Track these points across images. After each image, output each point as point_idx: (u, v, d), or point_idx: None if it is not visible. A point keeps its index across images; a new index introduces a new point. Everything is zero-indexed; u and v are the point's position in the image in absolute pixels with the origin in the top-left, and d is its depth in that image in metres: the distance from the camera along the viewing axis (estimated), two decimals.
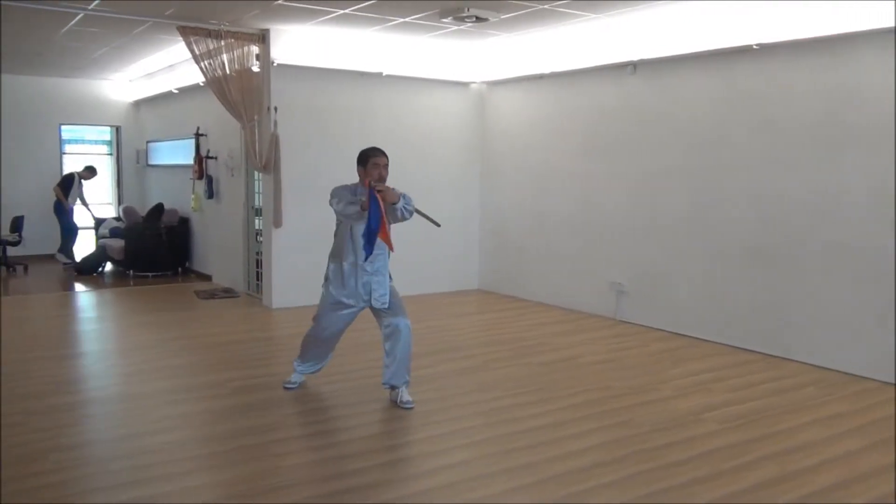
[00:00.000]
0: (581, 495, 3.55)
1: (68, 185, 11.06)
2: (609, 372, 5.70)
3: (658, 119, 7.05)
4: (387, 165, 4.77)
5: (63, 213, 10.98)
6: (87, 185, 11.48)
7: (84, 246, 11.47)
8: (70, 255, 11.07)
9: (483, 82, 9.00)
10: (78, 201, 11.27)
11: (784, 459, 4.02)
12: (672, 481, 3.72)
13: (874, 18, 5.29)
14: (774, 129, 6.10)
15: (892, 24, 5.19)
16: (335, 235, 4.95)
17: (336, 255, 4.89)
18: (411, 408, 4.72)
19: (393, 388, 4.82)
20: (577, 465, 3.89)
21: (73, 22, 7.50)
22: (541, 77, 8.18)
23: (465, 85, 8.99)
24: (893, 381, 5.35)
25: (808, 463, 3.98)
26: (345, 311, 4.87)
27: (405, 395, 4.80)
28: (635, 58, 7.08)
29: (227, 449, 4.14)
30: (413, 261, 7.91)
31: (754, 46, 6.08)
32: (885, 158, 5.40)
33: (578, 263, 7.98)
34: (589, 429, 4.46)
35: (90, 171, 11.42)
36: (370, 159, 4.73)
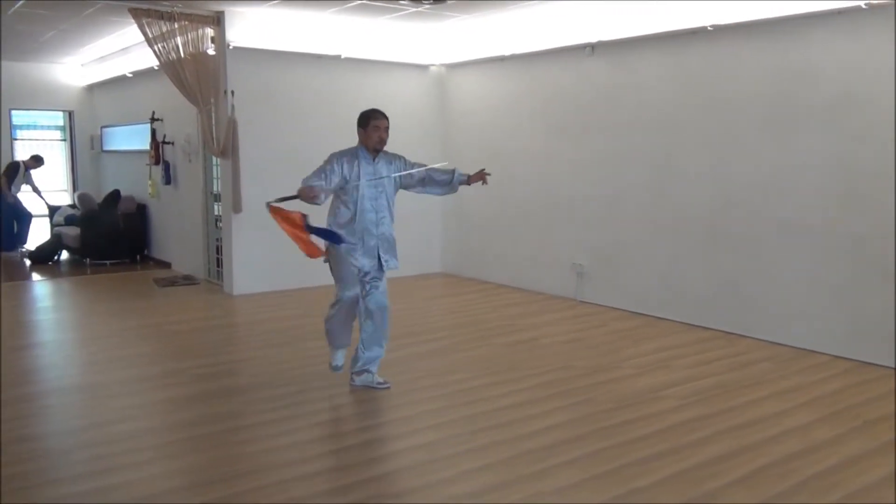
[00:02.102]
0: (545, 472, 3.60)
1: (12, 174, 10.77)
2: (571, 352, 5.77)
3: (616, 101, 7.11)
4: (387, 128, 4.68)
5: (2, 202, 10.66)
6: (39, 173, 11.20)
7: (38, 234, 11.21)
8: (19, 242, 10.80)
9: (442, 65, 8.97)
10: (29, 189, 10.99)
11: (741, 433, 4.12)
12: (633, 457, 3.79)
13: (824, 0, 5.39)
14: (729, 109, 6.19)
15: (839, 6, 5.30)
16: (334, 208, 4.81)
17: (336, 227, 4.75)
18: (388, 387, 4.77)
19: (364, 372, 4.80)
20: (540, 444, 3.94)
21: (19, 3, 7.28)
22: (500, 59, 8.18)
23: (424, 68, 8.95)
24: (844, 355, 5.52)
25: (764, 435, 4.08)
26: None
27: (377, 376, 4.83)
28: (593, 39, 7.12)
29: (188, 437, 4.11)
30: None
31: (709, 28, 6.15)
32: (835, 138, 5.52)
33: (540, 245, 8.03)
34: (552, 408, 4.51)
35: (36, 161, 11.13)
36: (371, 121, 4.64)
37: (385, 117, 4.69)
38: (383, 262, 4.72)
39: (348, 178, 4.62)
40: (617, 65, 7.08)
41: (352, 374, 4.85)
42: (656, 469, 3.65)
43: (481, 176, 5.02)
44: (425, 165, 4.86)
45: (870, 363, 5.36)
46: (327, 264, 4.77)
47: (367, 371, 4.79)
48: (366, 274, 4.71)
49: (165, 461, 3.79)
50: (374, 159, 4.69)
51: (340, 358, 4.90)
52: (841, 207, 5.54)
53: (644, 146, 6.90)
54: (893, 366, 5.19)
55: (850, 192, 5.47)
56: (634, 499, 3.33)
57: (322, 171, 4.59)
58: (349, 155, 4.66)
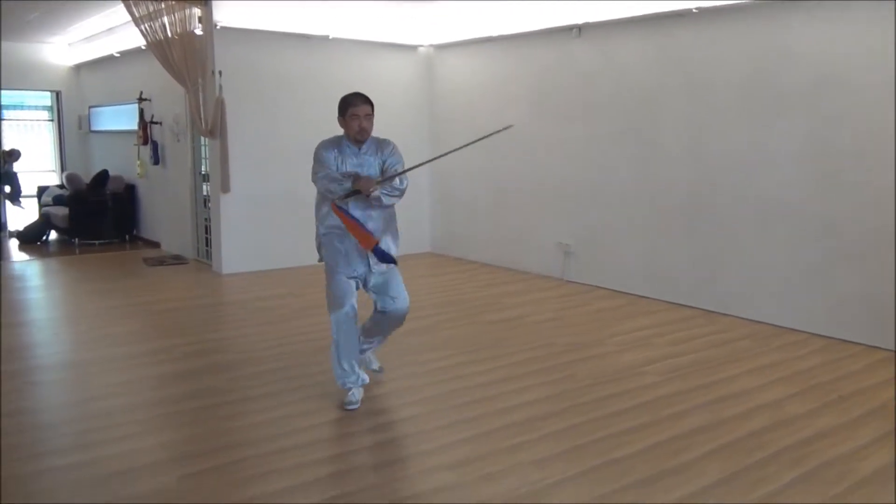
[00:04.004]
0: (523, 445, 3.69)
1: None
2: (554, 330, 5.86)
3: (601, 82, 7.15)
4: (369, 115, 4.05)
5: None
6: (21, 163, 11.14)
7: (27, 214, 11.20)
8: None
9: (431, 46, 8.98)
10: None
11: (717, 407, 4.22)
12: (610, 430, 3.88)
13: None
14: (711, 91, 6.25)
15: None
16: (319, 206, 4.22)
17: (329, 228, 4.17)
18: (381, 371, 4.57)
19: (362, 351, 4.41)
20: (520, 418, 4.02)
21: None
22: (488, 40, 8.20)
23: (412, 48, 8.96)
24: (821, 333, 5.62)
25: (740, 409, 4.18)
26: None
27: (374, 361, 4.57)
28: (580, 21, 7.15)
29: (174, 412, 4.18)
30: None
31: (693, 10, 6.20)
32: (813, 120, 5.59)
33: (527, 225, 8.10)
34: (533, 384, 4.60)
35: (10, 155, 11.06)
36: (348, 109, 4.03)
37: (366, 102, 4.07)
38: (371, 262, 4.13)
39: (342, 168, 4.08)
40: (602, 46, 7.12)
41: None
42: (633, 441, 3.74)
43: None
44: (401, 168, 4.15)
45: (845, 340, 5.47)
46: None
47: (362, 351, 4.38)
48: (365, 279, 4.18)
49: (151, 435, 3.85)
50: (359, 150, 4.10)
51: (355, 395, 4.18)
52: (818, 188, 5.62)
53: (628, 127, 6.95)
54: (893, 348, 5.24)
55: (827, 173, 5.55)
56: (611, 469, 3.42)
57: (328, 172, 4.00)
58: (334, 144, 4.12)
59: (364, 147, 4.11)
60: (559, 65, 7.55)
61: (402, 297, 4.25)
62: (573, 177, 7.52)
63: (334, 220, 4.08)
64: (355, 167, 4.05)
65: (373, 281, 4.18)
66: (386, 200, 4.03)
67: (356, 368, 4.18)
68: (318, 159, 4.06)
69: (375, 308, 4.28)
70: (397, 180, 4.05)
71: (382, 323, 4.32)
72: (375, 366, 4.53)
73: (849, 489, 3.25)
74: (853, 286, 5.47)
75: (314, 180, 4.07)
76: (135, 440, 3.77)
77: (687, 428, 3.91)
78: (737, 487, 3.25)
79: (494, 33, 8.02)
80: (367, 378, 4.26)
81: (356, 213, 4.05)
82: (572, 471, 3.40)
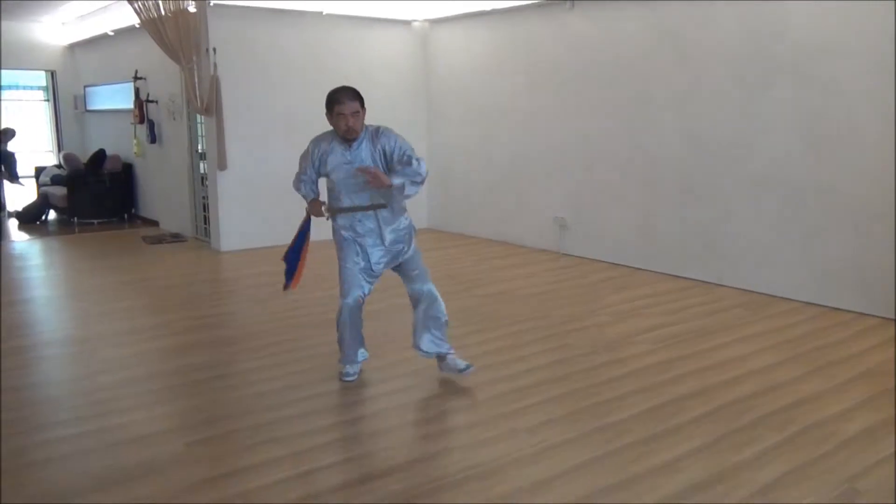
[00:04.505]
0: (518, 412, 3.78)
1: None
2: (550, 301, 5.94)
3: (596, 55, 7.17)
4: (357, 113, 3.86)
5: None
6: (16, 141, 11.13)
7: (25, 194, 11.25)
8: None
9: (425, 20, 8.97)
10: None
11: (708, 374, 4.30)
12: (603, 397, 3.97)
13: None
14: (704, 62, 6.27)
15: None
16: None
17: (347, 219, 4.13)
18: (473, 370, 4.18)
19: (441, 358, 4.26)
20: (515, 386, 4.11)
21: None
22: (482, 14, 8.20)
23: (407, 23, 8.96)
24: (814, 301, 5.71)
25: (729, 376, 4.27)
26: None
27: (459, 361, 4.23)
28: None
29: (174, 384, 4.27)
30: None
31: None
32: (805, 88, 5.63)
33: (523, 200, 8.15)
34: (528, 353, 4.68)
35: (4, 134, 11.05)
36: (333, 106, 3.88)
37: (353, 98, 3.87)
38: (386, 240, 4.10)
39: (326, 167, 4.01)
40: (596, 19, 7.12)
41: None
42: (626, 407, 3.83)
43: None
44: (410, 155, 3.99)
45: (837, 308, 5.55)
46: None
47: (441, 357, 4.24)
48: (381, 266, 4.12)
49: (151, 407, 3.94)
50: (349, 146, 3.94)
51: (353, 368, 4.25)
52: (810, 157, 5.67)
53: (622, 101, 6.98)
54: (894, 317, 5.27)
55: (819, 142, 5.60)
56: (603, 434, 3.51)
57: (301, 175, 4.13)
58: (326, 140, 4.01)
59: (355, 143, 3.94)
60: (553, 38, 7.56)
61: (421, 270, 4.20)
62: (569, 150, 7.57)
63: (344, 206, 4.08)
64: (346, 163, 3.94)
65: (395, 263, 4.15)
66: (409, 190, 3.92)
67: (356, 357, 4.23)
68: (302, 155, 4.13)
69: (411, 297, 4.22)
70: (415, 163, 3.91)
71: (421, 309, 4.18)
72: (462, 365, 4.18)
73: (833, 449, 3.34)
74: (844, 255, 5.54)
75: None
76: (141, 411, 3.86)
77: (677, 394, 4.00)
78: (724, 449, 3.34)
79: (488, 7, 8.01)
80: (365, 355, 4.30)
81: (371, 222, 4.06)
82: (564, 436, 3.49)
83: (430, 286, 4.22)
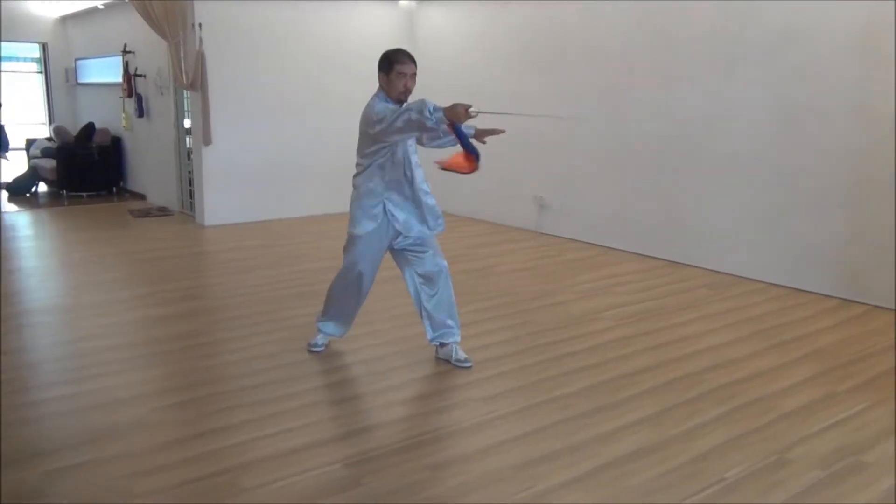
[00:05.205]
0: (474, 383, 3.95)
1: None
2: (522, 279, 6.09)
3: (576, 36, 7.27)
4: (415, 75, 3.85)
5: None
6: (8, 113, 11.15)
7: (15, 167, 11.35)
8: None
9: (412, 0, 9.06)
10: None
11: (664, 350, 4.47)
12: (559, 370, 4.13)
13: None
14: (681, 45, 6.39)
15: None
16: (375, 169, 3.96)
17: (387, 189, 3.99)
18: (469, 366, 4.14)
19: (443, 344, 4.22)
20: (477, 358, 4.26)
21: None
22: None
23: (394, 2, 9.02)
24: (778, 282, 5.87)
25: (685, 352, 4.44)
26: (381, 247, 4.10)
27: (460, 352, 4.21)
28: None
29: (154, 352, 4.43)
30: (347, 181, 8.11)
31: None
32: (775, 73, 5.75)
33: (504, 179, 8.28)
34: (493, 328, 4.85)
35: None
36: (395, 66, 3.79)
37: (413, 60, 3.84)
38: (430, 224, 4.12)
39: None
40: (578, 3, 7.21)
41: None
42: (579, 380, 3.99)
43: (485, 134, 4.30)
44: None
45: (800, 290, 5.72)
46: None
47: (443, 344, 4.22)
48: (406, 240, 4.08)
49: (131, 372, 4.10)
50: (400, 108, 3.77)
51: (322, 338, 4.36)
52: (778, 142, 5.81)
53: (601, 82, 7.09)
54: (893, 307, 5.31)
55: (787, 124, 5.74)
56: (553, 405, 3.67)
57: (400, 112, 3.65)
58: (382, 101, 3.84)
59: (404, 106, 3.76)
60: (536, 21, 7.65)
61: (438, 250, 4.19)
62: (549, 131, 7.68)
63: (384, 183, 3.97)
64: None
65: (411, 242, 4.08)
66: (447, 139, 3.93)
67: (333, 327, 4.33)
68: (381, 111, 3.71)
69: (417, 281, 4.14)
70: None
71: (433, 290, 4.13)
72: (462, 356, 4.19)
73: (771, 422, 3.51)
74: (807, 237, 5.70)
75: (385, 133, 3.71)
76: (115, 377, 4.01)
77: (631, 368, 4.17)
78: (666, 421, 3.51)
79: None
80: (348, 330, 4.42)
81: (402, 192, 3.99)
82: (517, 406, 3.66)
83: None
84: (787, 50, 5.66)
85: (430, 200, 4.12)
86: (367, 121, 3.82)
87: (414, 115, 3.54)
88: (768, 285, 5.88)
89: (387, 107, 3.77)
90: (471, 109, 3.57)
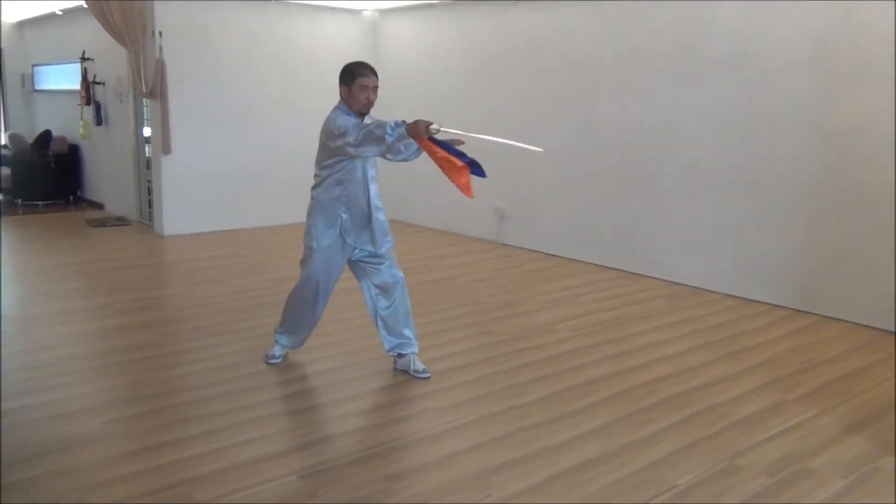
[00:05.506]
0: (432, 394, 3.96)
1: None
2: (482, 290, 6.13)
3: (539, 49, 7.36)
4: (377, 87, 3.85)
5: None
6: None
7: None
8: None
9: (375, 10, 9.07)
10: None
11: (621, 359, 4.53)
12: (517, 380, 4.17)
13: None
14: (641, 59, 6.50)
15: None
16: (333, 183, 3.93)
17: (343, 203, 3.95)
18: (428, 377, 4.15)
19: (401, 355, 4.22)
20: (436, 368, 4.27)
21: None
22: (431, 6, 8.33)
23: (357, 13, 9.05)
24: (733, 293, 5.99)
25: (641, 361, 4.50)
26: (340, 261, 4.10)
27: (418, 362, 4.21)
28: None
29: (109, 363, 4.37)
30: (307, 189, 8.09)
31: None
32: (734, 89, 5.89)
33: None
34: (452, 338, 4.87)
35: None
36: (357, 78, 3.79)
37: (374, 73, 3.84)
38: (378, 243, 4.06)
39: None
40: (540, 14, 7.31)
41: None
42: (535, 390, 4.03)
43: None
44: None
45: (753, 300, 5.84)
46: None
47: (401, 355, 4.22)
48: (363, 252, 4.08)
49: (87, 383, 4.04)
50: (362, 122, 3.82)
51: (279, 349, 4.35)
52: (735, 153, 5.94)
53: (564, 94, 7.19)
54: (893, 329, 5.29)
55: (744, 138, 5.87)
56: (509, 414, 3.71)
57: (363, 126, 3.68)
58: (344, 114, 3.85)
59: (366, 119, 3.86)
60: (499, 32, 7.73)
61: (395, 261, 4.19)
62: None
63: (341, 198, 3.96)
64: None
65: (367, 254, 4.08)
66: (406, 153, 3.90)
67: (290, 338, 4.31)
68: (343, 124, 3.71)
69: (373, 292, 4.14)
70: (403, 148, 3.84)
71: (395, 301, 4.13)
72: (420, 366, 4.19)
73: (723, 430, 3.58)
74: (761, 248, 5.83)
75: (346, 147, 3.70)
76: (70, 388, 3.96)
77: (588, 378, 4.22)
78: (621, 429, 3.56)
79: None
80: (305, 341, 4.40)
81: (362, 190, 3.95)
82: (474, 416, 3.68)
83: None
84: (745, 64, 5.80)
85: (380, 216, 4.10)
86: (329, 133, 3.81)
87: (377, 131, 3.57)
88: (723, 296, 6.00)
89: (349, 120, 3.77)
90: (432, 126, 3.57)
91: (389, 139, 3.55)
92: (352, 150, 3.71)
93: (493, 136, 3.97)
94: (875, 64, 5.09)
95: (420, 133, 3.56)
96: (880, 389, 4.15)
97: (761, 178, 5.79)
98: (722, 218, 6.07)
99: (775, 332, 5.15)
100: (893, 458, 3.33)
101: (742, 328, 5.23)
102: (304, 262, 4.13)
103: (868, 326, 5.24)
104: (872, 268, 5.24)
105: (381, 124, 3.57)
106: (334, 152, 3.82)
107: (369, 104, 3.86)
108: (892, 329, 5.13)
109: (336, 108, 3.91)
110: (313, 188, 4.07)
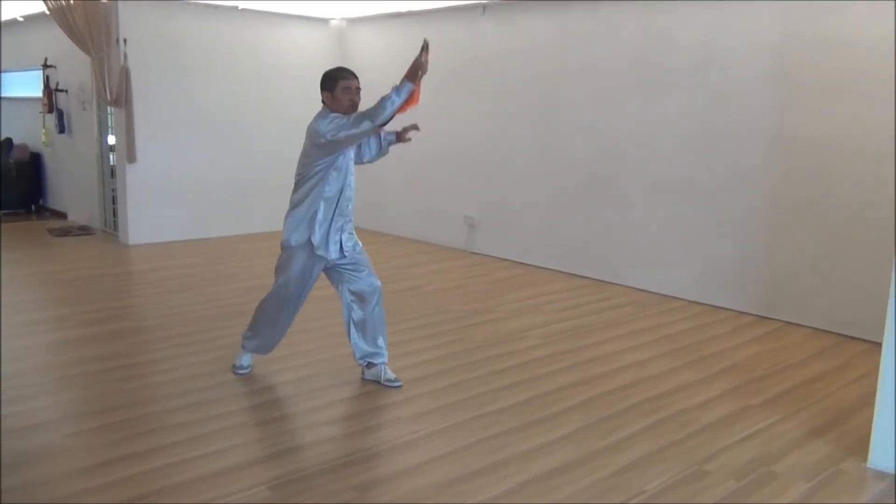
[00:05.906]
0: (403, 403, 3.96)
1: None
2: (452, 298, 6.14)
3: (506, 60, 7.43)
4: (359, 89, 4.01)
5: None
6: None
7: None
8: None
9: (343, 19, 9.07)
10: None
11: (588, 366, 4.57)
12: (486, 388, 4.18)
13: None
14: (606, 71, 6.59)
15: None
16: (316, 182, 3.94)
17: (322, 208, 3.94)
18: (399, 385, 4.15)
19: (371, 364, 4.21)
20: (407, 377, 4.27)
21: None
22: (398, 15, 8.35)
23: (324, 21, 9.04)
24: (698, 300, 6.08)
25: (608, 368, 4.55)
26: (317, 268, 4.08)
27: (389, 371, 4.21)
28: (485, 0, 7.38)
29: (72, 374, 4.29)
30: (277, 199, 8.04)
31: None
32: (696, 100, 6.00)
33: (435, 199, 8.35)
34: (422, 347, 4.87)
35: None
36: (339, 82, 3.92)
37: (355, 76, 3.99)
38: (344, 245, 4.03)
39: None
40: (506, 26, 7.38)
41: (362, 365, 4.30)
42: (506, 397, 4.05)
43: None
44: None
45: (718, 307, 5.94)
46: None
47: (371, 364, 4.21)
48: (341, 259, 4.05)
49: (50, 395, 3.97)
50: None
51: (247, 359, 4.33)
52: (699, 162, 6.04)
53: (531, 104, 7.26)
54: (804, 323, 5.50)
55: (707, 148, 5.98)
56: (479, 422, 3.72)
57: (354, 117, 3.89)
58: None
59: None
60: (466, 42, 7.78)
61: (372, 269, 4.18)
62: (479, 152, 7.80)
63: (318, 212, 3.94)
64: None
65: (346, 260, 4.06)
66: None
67: (258, 345, 4.27)
68: (335, 118, 3.85)
69: (349, 298, 4.13)
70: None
71: (366, 309, 4.12)
72: (391, 375, 4.19)
73: (690, 435, 3.63)
74: (725, 256, 5.93)
75: (338, 140, 3.80)
76: (33, 400, 3.88)
77: (557, 385, 4.25)
78: (590, 435, 3.59)
79: (404, 9, 8.17)
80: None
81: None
82: (445, 424, 3.69)
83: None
84: (707, 76, 5.91)
85: (349, 226, 4.10)
86: (317, 132, 3.82)
87: (379, 103, 3.81)
88: (689, 303, 6.09)
89: (339, 115, 3.85)
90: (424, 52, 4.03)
91: (399, 100, 3.84)
92: (345, 133, 3.79)
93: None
94: (834, 74, 5.23)
95: (422, 68, 3.99)
96: (842, 394, 4.24)
97: (724, 188, 5.90)
98: (687, 226, 6.17)
99: (739, 338, 5.23)
100: (856, 461, 3.40)
101: (707, 334, 5.31)
102: (280, 267, 4.09)
103: (828, 332, 5.36)
104: (832, 274, 5.37)
105: (381, 98, 3.75)
106: (323, 151, 3.84)
107: (354, 105, 3.91)
108: (853, 334, 5.25)
109: (318, 115, 3.93)
110: (294, 192, 4.06)
